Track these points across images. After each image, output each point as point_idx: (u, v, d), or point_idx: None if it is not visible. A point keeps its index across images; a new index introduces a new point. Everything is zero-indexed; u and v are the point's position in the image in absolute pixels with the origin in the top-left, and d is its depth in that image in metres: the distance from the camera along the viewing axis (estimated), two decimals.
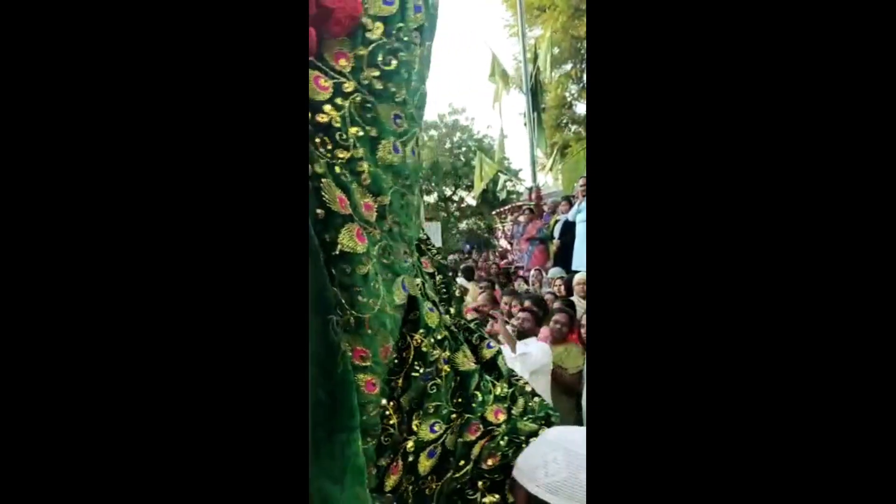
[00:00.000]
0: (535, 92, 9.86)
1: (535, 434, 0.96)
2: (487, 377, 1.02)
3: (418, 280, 0.98)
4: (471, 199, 18.61)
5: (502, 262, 7.73)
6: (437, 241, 11.07)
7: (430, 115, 19.69)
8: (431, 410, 0.92)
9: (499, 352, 1.09)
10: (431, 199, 18.29)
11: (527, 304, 3.25)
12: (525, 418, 0.99)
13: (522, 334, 2.90)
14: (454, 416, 0.94)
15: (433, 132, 18.63)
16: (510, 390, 1.05)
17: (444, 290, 1.11)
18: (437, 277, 1.12)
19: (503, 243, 9.98)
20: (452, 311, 1.10)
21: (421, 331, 0.92)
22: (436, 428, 0.92)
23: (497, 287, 5.00)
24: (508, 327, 3.00)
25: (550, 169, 11.28)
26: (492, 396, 0.99)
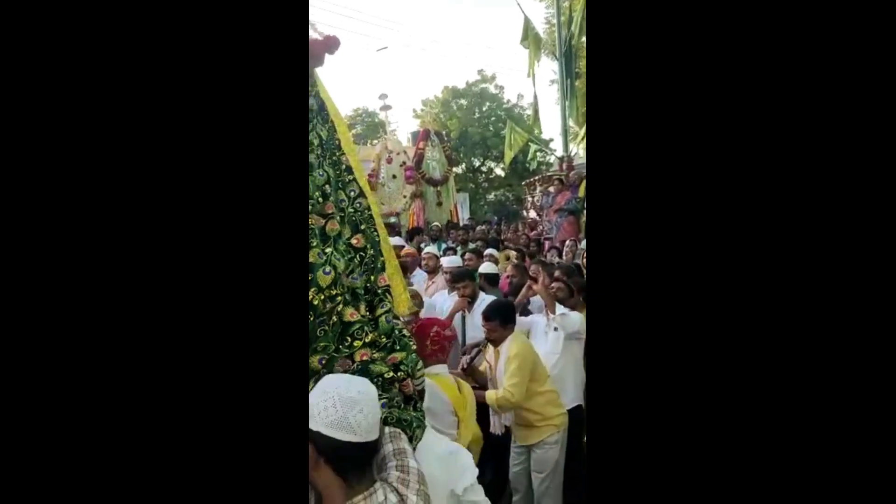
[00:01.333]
0: (569, 57, 9.50)
1: (381, 375, 1.25)
2: (366, 328, 1.30)
3: (329, 250, 1.29)
4: (499, 170, 18.37)
5: (532, 233, 7.66)
6: (465, 213, 11.04)
7: (458, 82, 19.25)
8: (319, 348, 1.21)
9: (388, 311, 1.38)
10: (459, 169, 18.13)
11: (557, 273, 3.23)
12: (378, 363, 1.27)
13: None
14: (335, 354, 1.24)
15: (462, 101, 18.29)
16: (387, 342, 1.32)
17: (371, 262, 1.42)
18: (369, 252, 1.42)
19: (532, 214, 9.86)
20: (373, 278, 1.41)
21: (313, 289, 1.22)
22: (323, 361, 1.22)
23: (527, 257, 4.97)
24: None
25: (583, 138, 10.97)
26: (361, 343, 1.27)
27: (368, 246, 1.43)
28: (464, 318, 3.24)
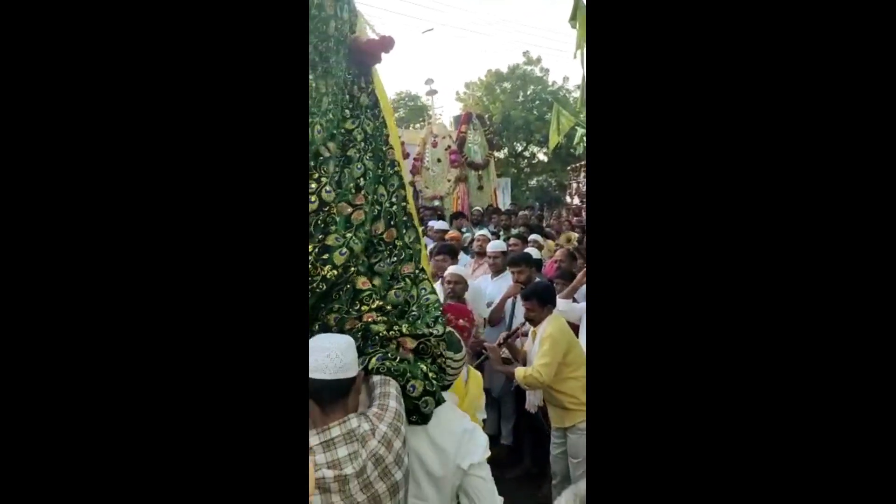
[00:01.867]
0: None
1: (378, 333, 1.43)
2: (374, 296, 1.50)
3: (349, 235, 1.49)
4: (542, 155, 18.03)
5: (575, 220, 7.52)
6: (507, 198, 10.94)
7: (502, 65, 18.92)
8: (335, 309, 1.45)
9: (400, 287, 1.58)
10: (501, 154, 17.91)
11: None
12: (380, 324, 1.46)
13: None
14: (346, 315, 1.46)
15: (506, 84, 18.00)
16: (393, 311, 1.52)
17: (399, 255, 1.61)
18: (398, 245, 1.62)
19: (576, 200, 9.65)
20: (399, 267, 1.61)
21: (328, 266, 1.42)
22: (336, 319, 1.44)
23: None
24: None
25: None
26: (368, 308, 1.47)
27: (397, 240, 1.62)
28: (514, 304, 3.20)
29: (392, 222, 1.62)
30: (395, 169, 1.69)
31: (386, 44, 1.69)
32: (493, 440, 3.40)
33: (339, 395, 1.18)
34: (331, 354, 1.17)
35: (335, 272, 1.43)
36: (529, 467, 3.25)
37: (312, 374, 1.15)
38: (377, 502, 1.13)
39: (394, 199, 1.64)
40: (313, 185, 1.47)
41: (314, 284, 1.40)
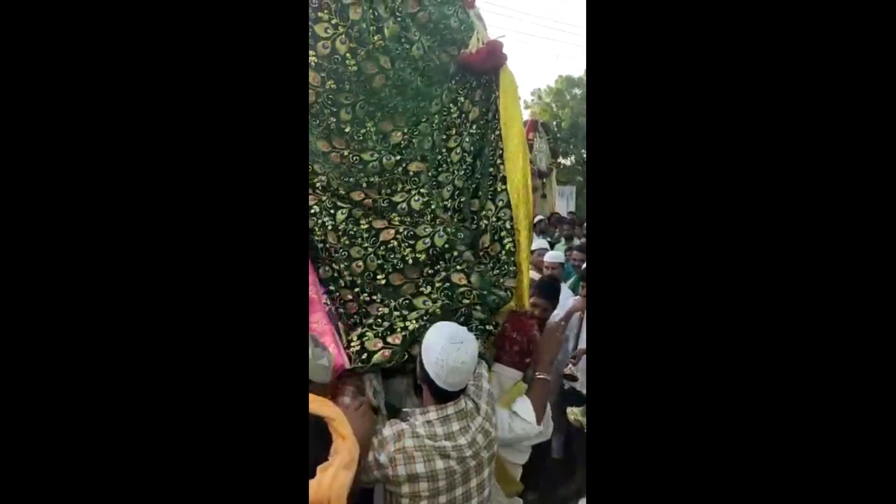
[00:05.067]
0: None
1: (478, 319, 1.59)
2: (471, 294, 1.62)
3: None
4: None
5: None
6: (570, 206, 10.69)
7: (575, 70, 18.57)
8: (433, 299, 1.59)
9: (499, 297, 1.67)
10: (569, 161, 17.56)
11: None
12: (479, 313, 1.61)
13: None
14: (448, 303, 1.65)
15: (577, 90, 17.63)
16: (467, 283, 1.66)
17: (502, 268, 1.69)
18: (502, 259, 1.69)
19: None
20: (502, 280, 1.68)
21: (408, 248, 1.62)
22: (438, 302, 1.61)
23: None
24: None
25: None
26: (467, 300, 1.62)
27: (500, 254, 1.69)
28: (582, 320, 3.09)
29: (496, 237, 1.69)
30: (505, 186, 1.68)
31: (492, 48, 1.62)
32: (545, 452, 3.39)
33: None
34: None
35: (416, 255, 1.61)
36: (582, 483, 3.21)
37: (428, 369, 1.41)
38: (481, 467, 1.37)
39: (500, 215, 1.69)
40: (404, 196, 1.59)
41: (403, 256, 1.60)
